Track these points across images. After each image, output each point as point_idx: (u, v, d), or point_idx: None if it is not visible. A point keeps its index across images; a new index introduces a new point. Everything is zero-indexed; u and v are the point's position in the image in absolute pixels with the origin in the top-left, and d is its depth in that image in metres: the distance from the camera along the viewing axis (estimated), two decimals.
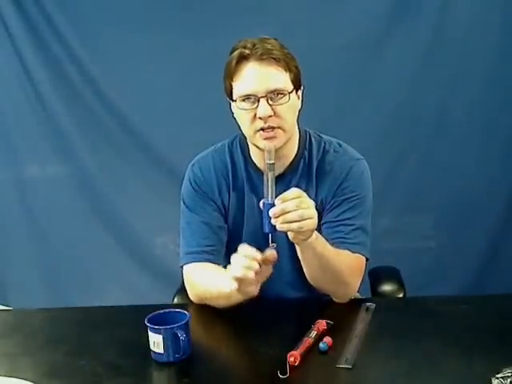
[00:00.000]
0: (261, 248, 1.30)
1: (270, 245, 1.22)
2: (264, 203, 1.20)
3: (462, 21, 2.42)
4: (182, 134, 2.50)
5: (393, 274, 1.66)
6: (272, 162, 1.21)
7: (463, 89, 2.46)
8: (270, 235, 1.21)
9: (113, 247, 2.81)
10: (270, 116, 1.33)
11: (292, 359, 1.13)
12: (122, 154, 2.74)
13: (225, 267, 1.32)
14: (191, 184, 1.50)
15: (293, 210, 1.17)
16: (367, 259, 1.45)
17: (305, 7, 2.46)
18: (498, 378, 1.02)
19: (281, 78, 1.34)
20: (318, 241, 1.31)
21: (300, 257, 1.36)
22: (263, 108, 1.32)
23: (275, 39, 1.37)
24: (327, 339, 1.20)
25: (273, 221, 1.18)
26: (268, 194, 1.20)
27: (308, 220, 1.19)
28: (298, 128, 1.48)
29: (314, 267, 1.37)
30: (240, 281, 1.18)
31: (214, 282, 1.37)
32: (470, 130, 2.50)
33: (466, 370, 1.10)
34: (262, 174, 1.41)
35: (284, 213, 1.17)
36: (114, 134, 2.73)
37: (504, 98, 2.46)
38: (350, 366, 1.12)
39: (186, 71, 2.54)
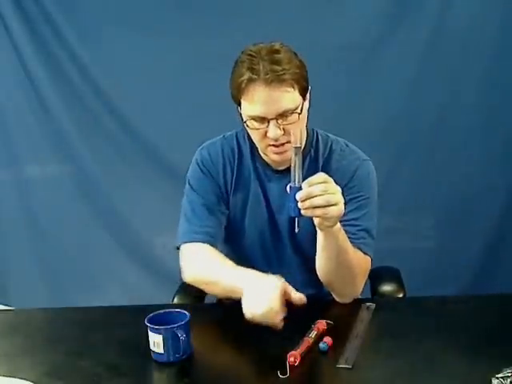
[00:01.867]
0: (263, 234, 1.43)
1: (296, 229, 1.22)
2: (291, 187, 1.20)
3: (461, 21, 2.41)
4: (182, 134, 2.49)
5: (393, 274, 1.66)
6: (298, 145, 1.21)
7: (463, 89, 2.46)
8: (296, 219, 1.22)
9: (113, 247, 2.82)
10: (281, 135, 1.34)
11: (292, 359, 1.12)
12: (122, 154, 2.74)
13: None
14: (199, 165, 1.52)
15: (319, 194, 1.17)
16: (372, 260, 1.45)
17: (305, 7, 2.46)
18: (498, 378, 1.02)
19: (290, 99, 1.34)
20: (341, 232, 1.31)
21: (320, 246, 1.34)
22: (273, 130, 1.34)
23: (282, 46, 1.36)
24: (327, 339, 1.20)
25: (299, 204, 1.17)
26: (295, 178, 1.20)
27: (334, 206, 1.18)
28: (306, 127, 1.49)
29: (332, 259, 1.35)
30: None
31: (218, 270, 1.39)
32: (470, 129, 2.50)
33: (466, 370, 1.10)
34: (268, 166, 1.47)
35: (310, 197, 1.17)
36: (114, 133, 2.73)
37: (504, 98, 2.46)
38: (350, 366, 1.12)
39: (186, 71, 2.54)
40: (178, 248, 1.50)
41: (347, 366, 1.12)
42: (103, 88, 2.68)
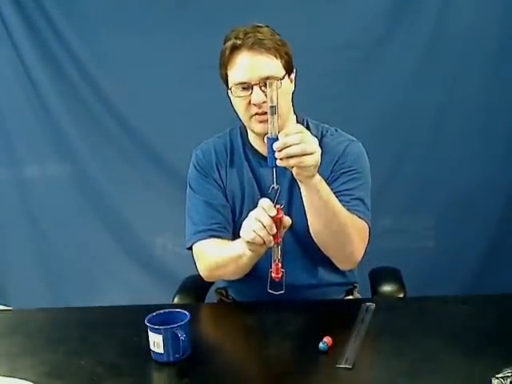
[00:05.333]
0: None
1: (274, 182, 1.23)
2: (268, 138, 1.22)
3: (461, 21, 2.41)
4: (182, 134, 2.50)
5: (393, 275, 1.66)
6: (274, 104, 1.21)
7: (463, 88, 2.46)
8: (274, 170, 1.23)
9: (113, 247, 2.81)
10: (264, 102, 1.37)
11: (274, 275, 1.19)
12: (122, 154, 2.74)
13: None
14: (195, 167, 1.58)
15: (295, 143, 1.19)
16: (369, 229, 1.46)
17: (304, 7, 2.46)
18: (498, 378, 1.01)
19: (272, 66, 1.40)
20: (323, 185, 1.32)
21: (306, 203, 1.35)
22: (257, 95, 1.39)
23: (267, 26, 1.44)
24: (327, 339, 1.19)
25: (276, 154, 1.19)
26: (272, 129, 1.22)
27: (309, 155, 1.20)
28: (295, 113, 1.53)
29: (321, 216, 1.35)
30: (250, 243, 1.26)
31: (224, 248, 1.44)
32: (470, 129, 2.50)
33: (466, 370, 1.10)
34: (261, 157, 1.50)
35: (286, 146, 1.19)
36: (113, 133, 2.73)
37: (504, 97, 2.46)
38: (350, 366, 1.12)
39: (186, 71, 2.54)
40: (190, 249, 1.53)
41: (347, 366, 1.12)
42: (103, 88, 2.68)
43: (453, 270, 2.56)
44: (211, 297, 1.69)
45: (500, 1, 2.40)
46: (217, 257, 1.47)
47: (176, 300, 1.61)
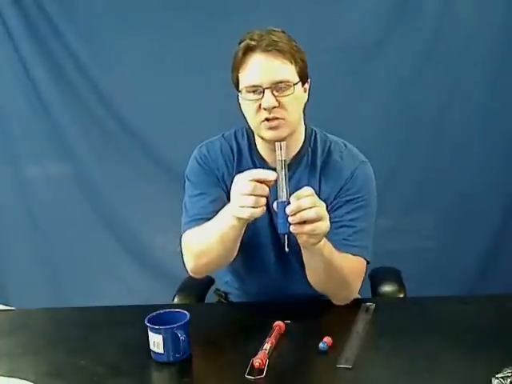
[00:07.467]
0: (262, 230, 1.41)
1: (286, 248, 1.20)
2: (278, 203, 1.18)
3: (462, 21, 2.42)
4: (182, 134, 2.49)
5: (393, 275, 1.66)
6: (284, 158, 1.19)
7: (463, 88, 2.46)
8: (285, 236, 1.20)
9: (113, 247, 2.81)
10: (275, 107, 1.33)
11: (257, 363, 1.12)
12: (122, 154, 2.74)
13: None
14: (197, 161, 1.51)
15: (309, 207, 1.16)
16: (368, 262, 1.45)
17: (304, 7, 2.46)
18: (497, 378, 1.02)
19: (286, 70, 1.35)
20: (326, 246, 1.30)
21: (306, 261, 1.35)
22: (268, 99, 1.33)
23: (283, 31, 1.38)
24: (327, 339, 1.19)
25: (290, 219, 1.16)
26: (282, 193, 1.18)
27: (322, 221, 1.18)
28: (305, 123, 1.49)
29: (319, 272, 1.36)
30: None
31: (205, 231, 1.38)
32: (471, 129, 2.50)
33: (466, 370, 1.10)
34: (268, 164, 1.45)
35: (300, 210, 1.15)
36: (113, 133, 2.73)
37: (504, 97, 2.46)
38: (350, 366, 1.12)
39: (186, 71, 2.54)
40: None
41: (347, 366, 1.12)
42: (103, 88, 2.68)
43: (453, 271, 2.56)
44: (211, 297, 1.69)
45: (500, 1, 2.40)
46: (200, 242, 1.40)
47: (176, 300, 1.61)
